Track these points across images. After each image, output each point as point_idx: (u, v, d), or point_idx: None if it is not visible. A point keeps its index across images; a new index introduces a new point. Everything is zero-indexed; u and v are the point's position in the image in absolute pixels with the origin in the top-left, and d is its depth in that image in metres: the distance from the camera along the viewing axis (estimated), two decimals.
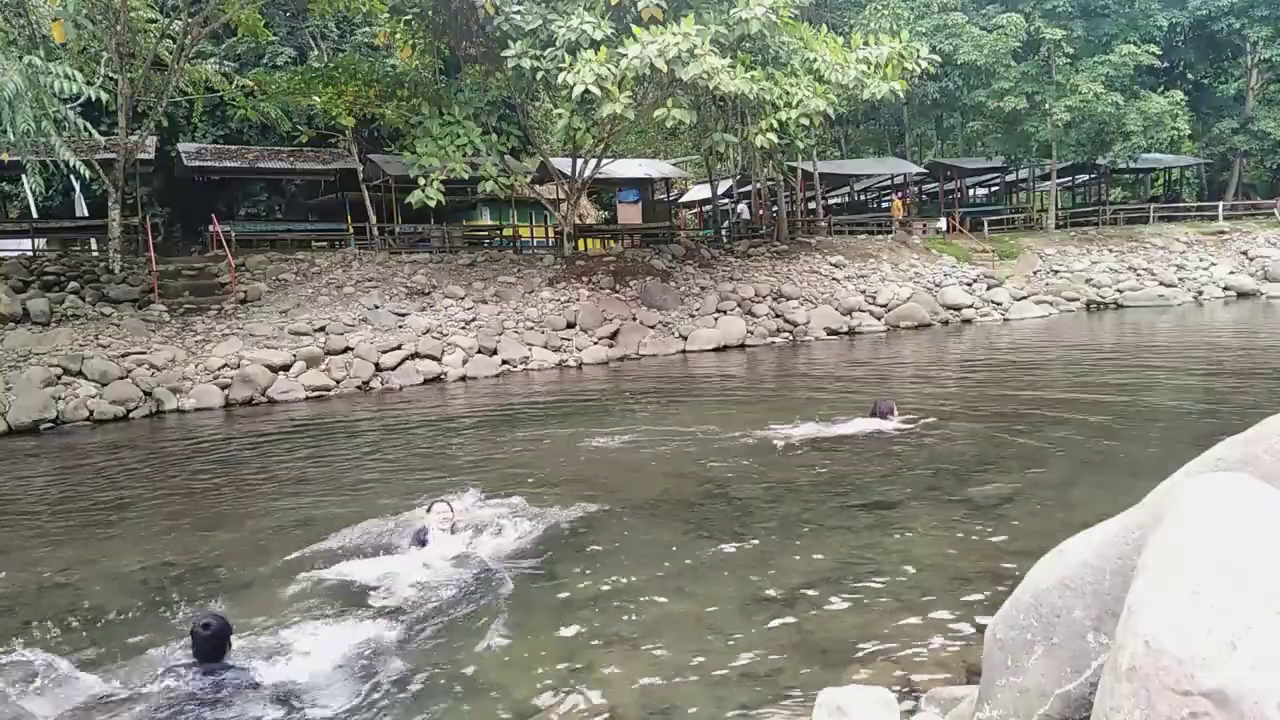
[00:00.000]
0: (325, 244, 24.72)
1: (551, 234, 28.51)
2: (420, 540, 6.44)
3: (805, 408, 11.84)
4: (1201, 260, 29.48)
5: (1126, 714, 1.74)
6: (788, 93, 19.52)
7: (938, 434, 9.56)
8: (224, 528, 7.53)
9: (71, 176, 21.06)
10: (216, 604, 5.52)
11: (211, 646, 4.21)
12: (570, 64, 17.93)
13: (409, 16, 21.42)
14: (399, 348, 18.17)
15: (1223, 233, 31.56)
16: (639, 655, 4.50)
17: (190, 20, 20.18)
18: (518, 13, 19.18)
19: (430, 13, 20.60)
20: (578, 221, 28.24)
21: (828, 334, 22.64)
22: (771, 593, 5.24)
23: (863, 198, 42.27)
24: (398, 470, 9.71)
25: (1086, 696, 2.12)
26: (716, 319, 22.13)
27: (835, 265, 26.24)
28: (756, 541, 6.27)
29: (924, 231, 31.40)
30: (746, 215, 34.76)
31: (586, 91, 17.88)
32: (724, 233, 32.69)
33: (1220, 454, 2.45)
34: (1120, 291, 27.28)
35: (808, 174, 32.60)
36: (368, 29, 26.37)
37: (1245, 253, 29.92)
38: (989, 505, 6.78)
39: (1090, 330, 22.02)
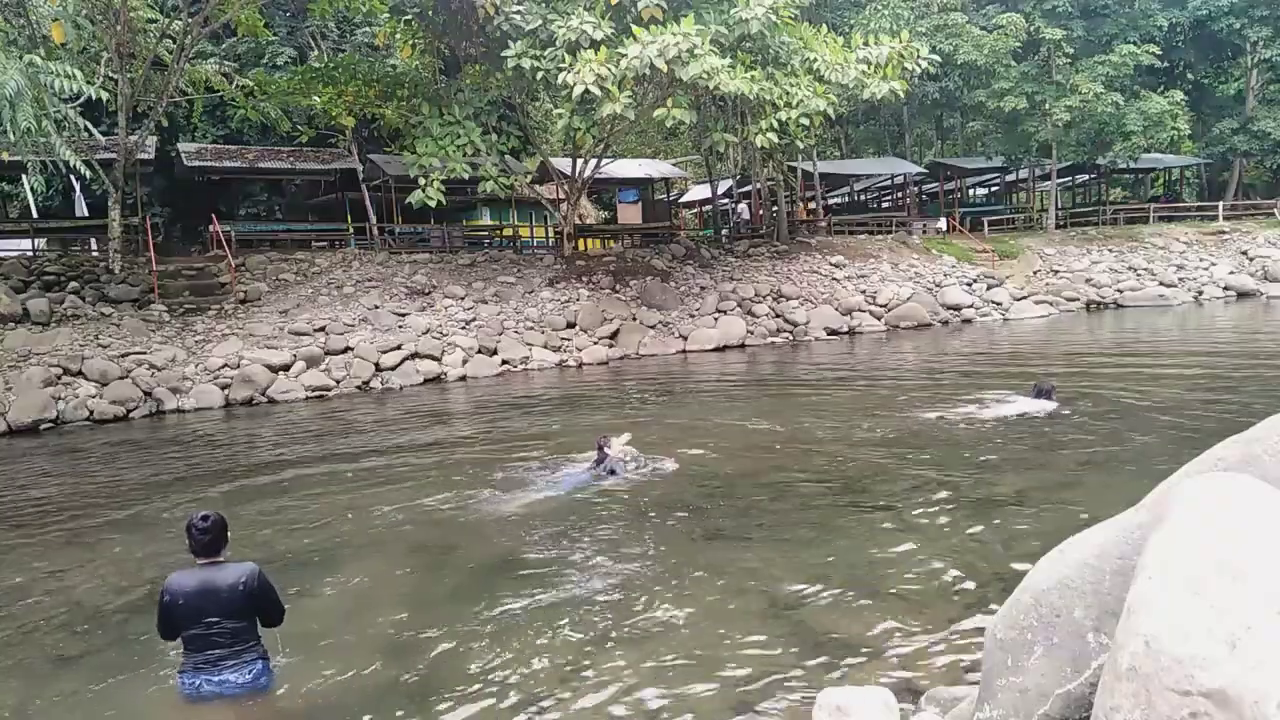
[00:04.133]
0: (325, 244, 24.72)
1: (551, 234, 28.52)
2: (603, 451, 8.27)
3: (801, 406, 11.85)
4: (1201, 260, 29.49)
5: (1126, 714, 1.74)
6: (788, 93, 19.53)
7: (932, 434, 9.56)
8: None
9: (71, 176, 21.13)
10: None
11: (209, 540, 3.98)
12: (570, 64, 17.93)
13: (409, 16, 21.43)
14: (399, 348, 18.18)
15: (1223, 233, 31.57)
16: (639, 654, 4.50)
17: (190, 20, 20.19)
18: (518, 13, 19.19)
19: (430, 13, 20.60)
20: (578, 221, 28.24)
21: (828, 334, 22.64)
22: (771, 592, 5.24)
23: (863, 198, 42.29)
24: (386, 465, 9.72)
25: (1086, 696, 2.12)
26: (716, 319, 22.13)
27: (835, 265, 26.25)
28: (757, 541, 6.27)
29: (924, 231, 31.42)
30: (747, 215, 34.79)
31: (586, 91, 17.88)
32: (724, 233, 32.70)
33: (1220, 454, 2.45)
34: (1120, 291, 27.29)
35: (808, 174, 32.61)
36: (368, 29, 26.39)
37: (1245, 253, 29.93)
38: (989, 505, 6.78)
39: (1090, 330, 22.02)
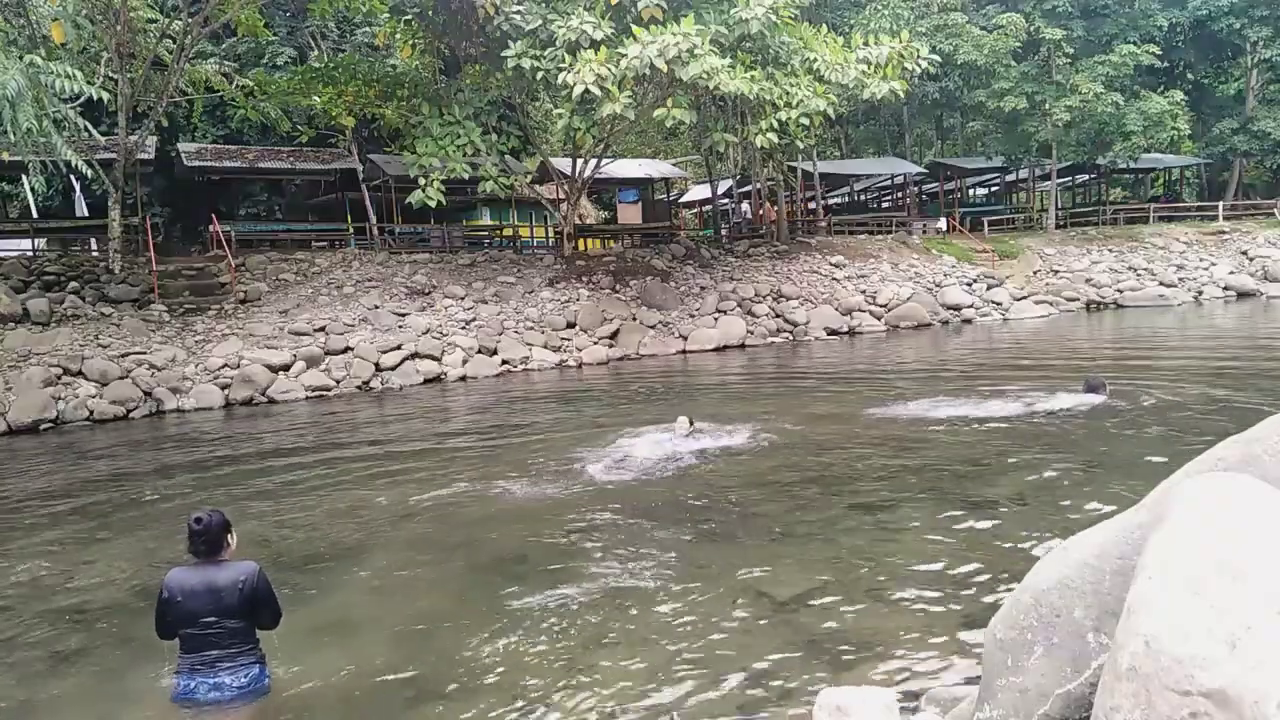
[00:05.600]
0: (325, 244, 24.73)
1: (551, 234, 28.53)
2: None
3: (802, 406, 11.85)
4: (1201, 260, 29.50)
5: (1126, 714, 1.74)
6: (788, 93, 19.55)
7: (936, 434, 9.56)
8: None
9: (71, 176, 21.15)
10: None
11: (206, 541, 3.88)
12: (570, 64, 17.94)
13: (409, 16, 21.44)
14: (399, 348, 18.18)
15: (1223, 233, 31.58)
16: (639, 654, 4.50)
17: (190, 20, 20.19)
18: (518, 13, 19.19)
19: (430, 13, 20.61)
20: (578, 221, 28.24)
21: (828, 334, 22.65)
22: (771, 592, 5.24)
23: (863, 198, 42.31)
24: (371, 472, 9.72)
25: (1086, 696, 2.12)
26: (716, 319, 22.14)
27: (835, 265, 26.26)
28: (757, 541, 6.27)
29: (924, 231, 31.43)
30: (749, 215, 34.82)
31: (586, 91, 17.89)
32: (724, 233, 32.68)
33: (1220, 454, 2.45)
34: (1120, 291, 27.31)
35: (808, 174, 32.61)
36: (368, 29, 26.40)
37: (1245, 253, 29.96)
38: (989, 505, 6.78)
39: (1090, 330, 22.02)
